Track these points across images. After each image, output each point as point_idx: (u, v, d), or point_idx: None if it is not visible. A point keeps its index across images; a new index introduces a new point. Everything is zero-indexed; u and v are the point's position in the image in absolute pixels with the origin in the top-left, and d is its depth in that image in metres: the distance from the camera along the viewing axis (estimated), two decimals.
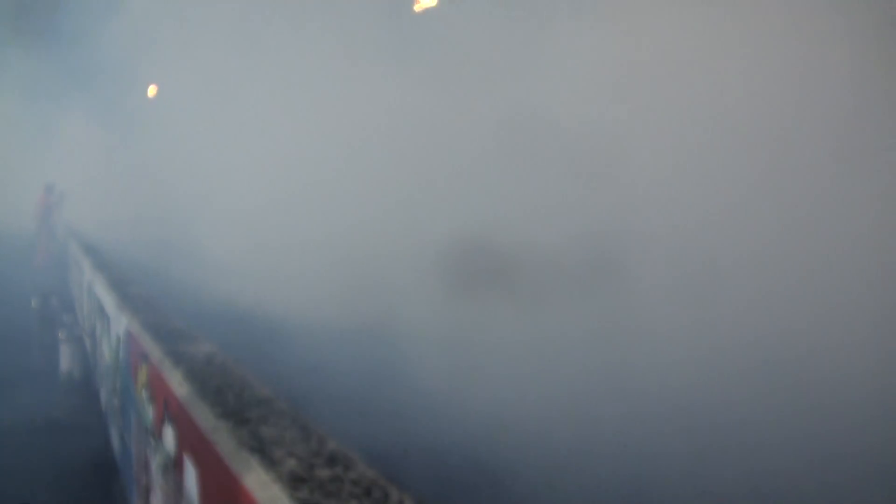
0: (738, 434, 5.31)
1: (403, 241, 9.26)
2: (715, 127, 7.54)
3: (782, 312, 6.89)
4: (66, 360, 6.57)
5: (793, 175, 7.03)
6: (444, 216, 9.34)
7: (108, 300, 4.75)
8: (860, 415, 5.11)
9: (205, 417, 1.90)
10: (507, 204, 8.92)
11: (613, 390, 6.07)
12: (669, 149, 7.76)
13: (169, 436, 2.37)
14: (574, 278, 7.96)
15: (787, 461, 4.79)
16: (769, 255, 7.16)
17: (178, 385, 2.25)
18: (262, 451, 1.58)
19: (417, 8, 11.24)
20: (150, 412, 2.81)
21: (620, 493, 4.38)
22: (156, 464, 2.62)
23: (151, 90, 18.85)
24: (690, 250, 7.43)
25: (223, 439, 1.72)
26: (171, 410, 2.35)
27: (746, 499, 4.45)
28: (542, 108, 8.79)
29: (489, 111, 9.18)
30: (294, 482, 1.42)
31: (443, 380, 6.19)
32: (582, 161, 8.42)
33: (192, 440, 2.01)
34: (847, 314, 6.22)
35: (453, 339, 7.31)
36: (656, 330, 7.00)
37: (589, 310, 7.35)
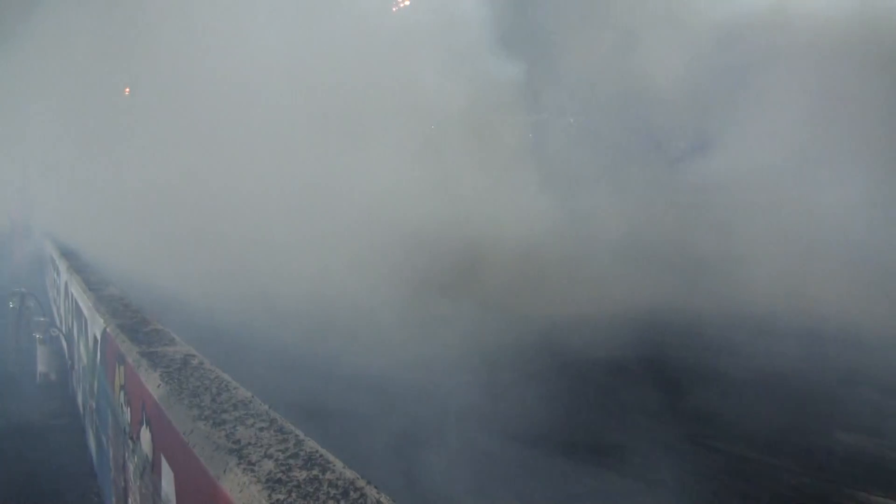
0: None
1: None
2: None
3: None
4: (42, 361, 6.48)
5: None
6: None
7: (85, 301, 4.69)
8: None
9: (182, 419, 1.89)
10: None
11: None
12: None
13: (146, 438, 2.35)
14: None
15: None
16: None
17: (156, 387, 2.24)
18: (240, 453, 1.58)
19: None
20: (127, 414, 2.79)
21: None
22: (133, 466, 2.59)
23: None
24: None
25: (200, 441, 1.71)
26: (148, 412, 2.34)
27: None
28: None
29: None
30: (271, 484, 1.42)
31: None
32: None
33: (170, 442, 2.00)
34: None
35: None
36: None
37: None
